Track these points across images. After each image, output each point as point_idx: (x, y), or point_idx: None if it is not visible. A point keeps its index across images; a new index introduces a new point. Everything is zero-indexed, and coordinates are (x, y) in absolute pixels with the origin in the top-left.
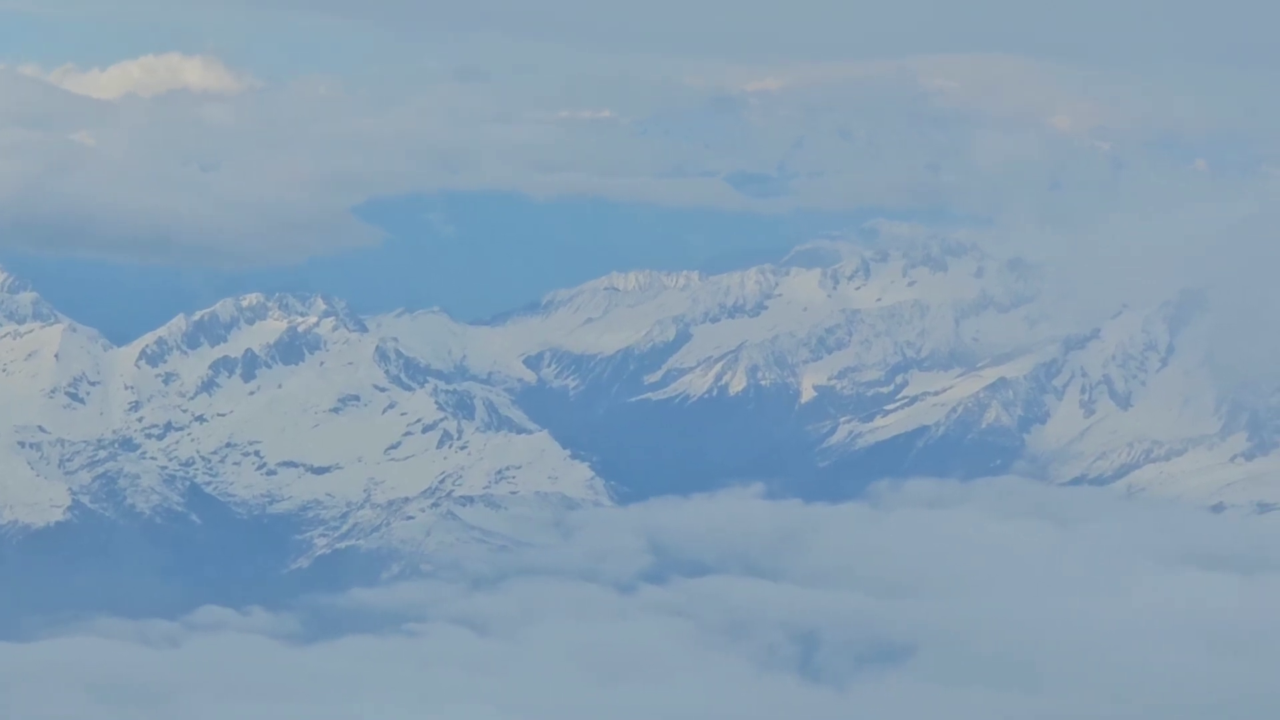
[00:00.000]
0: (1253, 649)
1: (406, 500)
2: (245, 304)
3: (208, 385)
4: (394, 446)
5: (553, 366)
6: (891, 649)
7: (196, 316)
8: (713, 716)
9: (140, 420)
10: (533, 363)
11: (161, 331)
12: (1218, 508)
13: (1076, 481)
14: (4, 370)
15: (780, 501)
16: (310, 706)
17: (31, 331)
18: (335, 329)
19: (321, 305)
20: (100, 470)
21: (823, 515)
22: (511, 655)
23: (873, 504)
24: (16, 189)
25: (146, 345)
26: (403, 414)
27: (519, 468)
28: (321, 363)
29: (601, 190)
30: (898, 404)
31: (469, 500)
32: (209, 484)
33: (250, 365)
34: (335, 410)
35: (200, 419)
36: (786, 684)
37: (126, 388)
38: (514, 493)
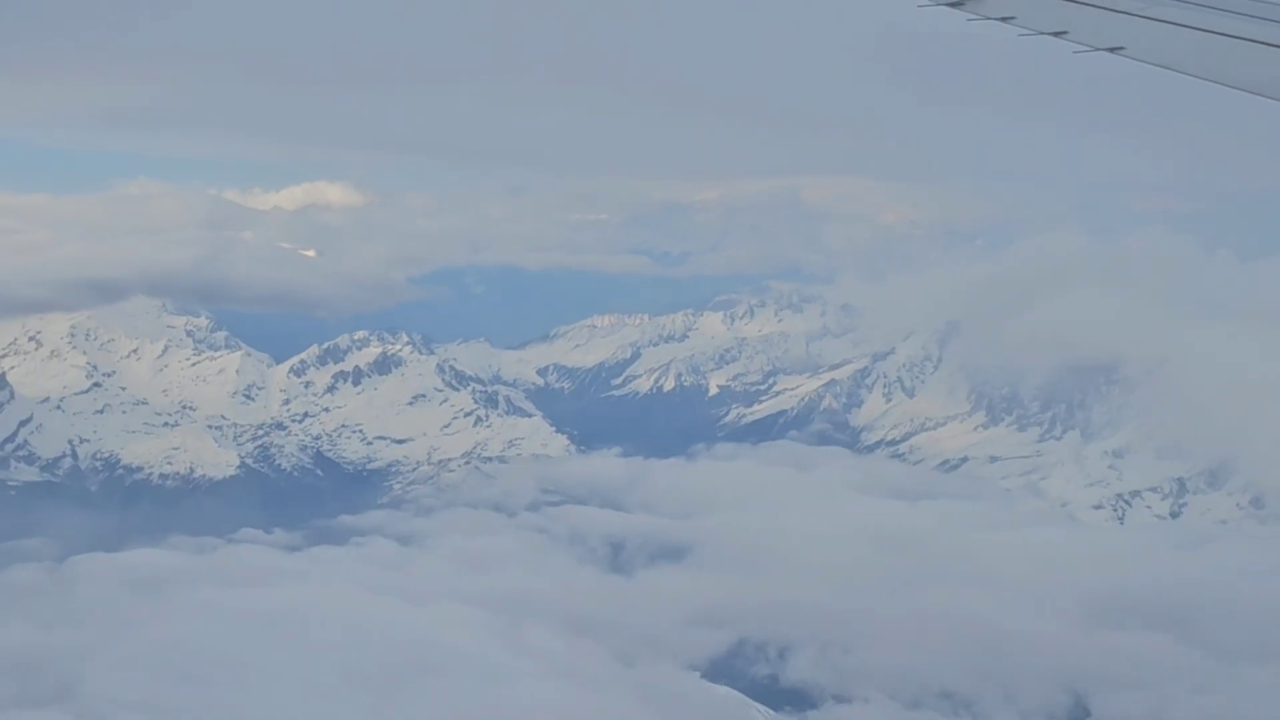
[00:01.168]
0: (903, 546)
1: (450, 459)
2: (355, 337)
3: (330, 388)
4: (446, 426)
5: (554, 374)
6: (672, 551)
7: (325, 345)
8: (538, 590)
9: (288, 410)
10: (542, 372)
11: (303, 355)
12: (963, 459)
13: (878, 444)
14: (205, 380)
15: (631, 458)
16: (268, 589)
17: (222, 356)
18: (412, 353)
19: (405, 338)
20: (260, 442)
21: (655, 467)
22: (415, 556)
23: (689, 459)
24: (192, 266)
25: (293, 363)
26: (452, 406)
27: (523, 439)
28: (402, 374)
29: (575, 264)
30: (769, 396)
31: (490, 459)
32: (329, 450)
33: (357, 376)
34: (410, 404)
35: (325, 409)
36: (594, 573)
37: (280, 390)
38: (518, 454)
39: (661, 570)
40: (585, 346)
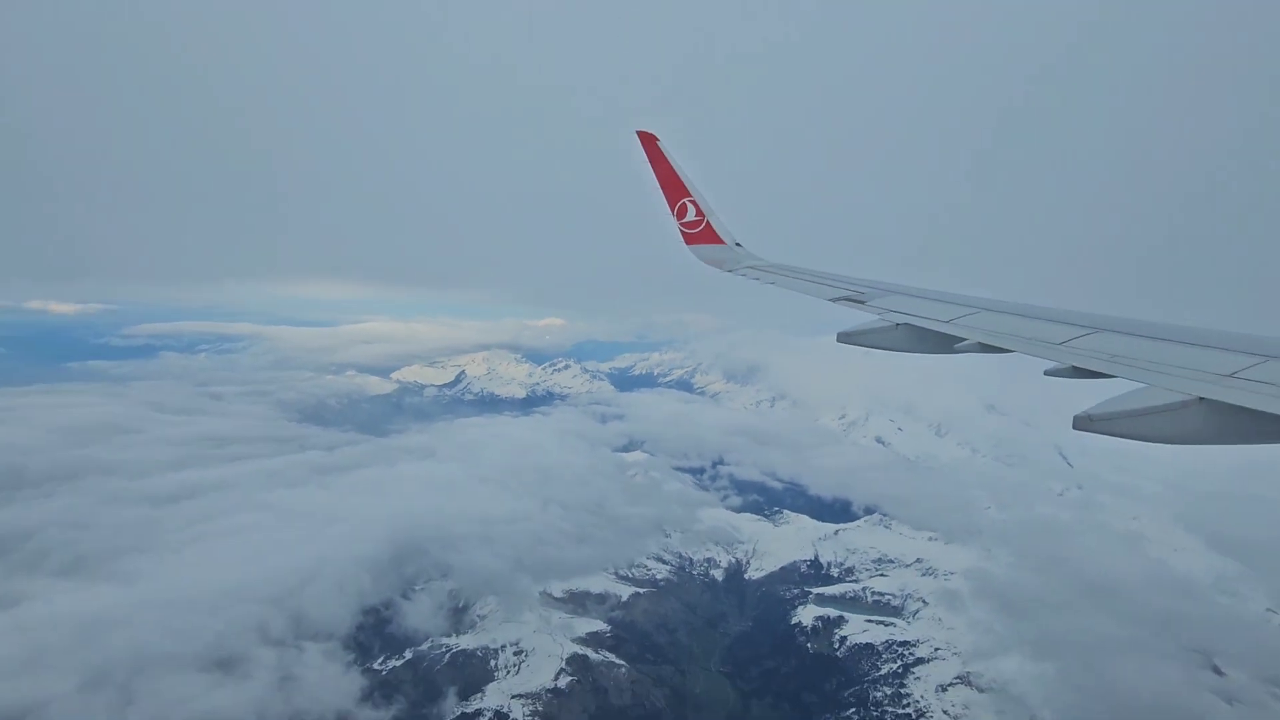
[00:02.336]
0: (675, 420)
1: (580, 394)
2: (556, 361)
3: (549, 373)
4: (580, 383)
5: (612, 370)
6: (613, 418)
7: (544, 364)
8: (548, 425)
9: (540, 378)
10: (610, 368)
11: (544, 365)
12: (718, 394)
13: (698, 389)
14: (513, 375)
15: (619, 392)
16: (469, 431)
17: (523, 365)
18: (571, 364)
19: (567, 361)
20: (529, 392)
21: (621, 395)
22: (520, 420)
23: (630, 392)
24: (512, 340)
25: (540, 367)
26: (581, 379)
27: (600, 389)
28: (568, 369)
29: (609, 339)
30: (668, 375)
31: (584, 395)
32: (547, 388)
33: (556, 369)
34: (572, 378)
35: (549, 379)
36: (585, 420)
37: (536, 376)
38: (593, 392)
39: (608, 424)
40: (618, 362)
